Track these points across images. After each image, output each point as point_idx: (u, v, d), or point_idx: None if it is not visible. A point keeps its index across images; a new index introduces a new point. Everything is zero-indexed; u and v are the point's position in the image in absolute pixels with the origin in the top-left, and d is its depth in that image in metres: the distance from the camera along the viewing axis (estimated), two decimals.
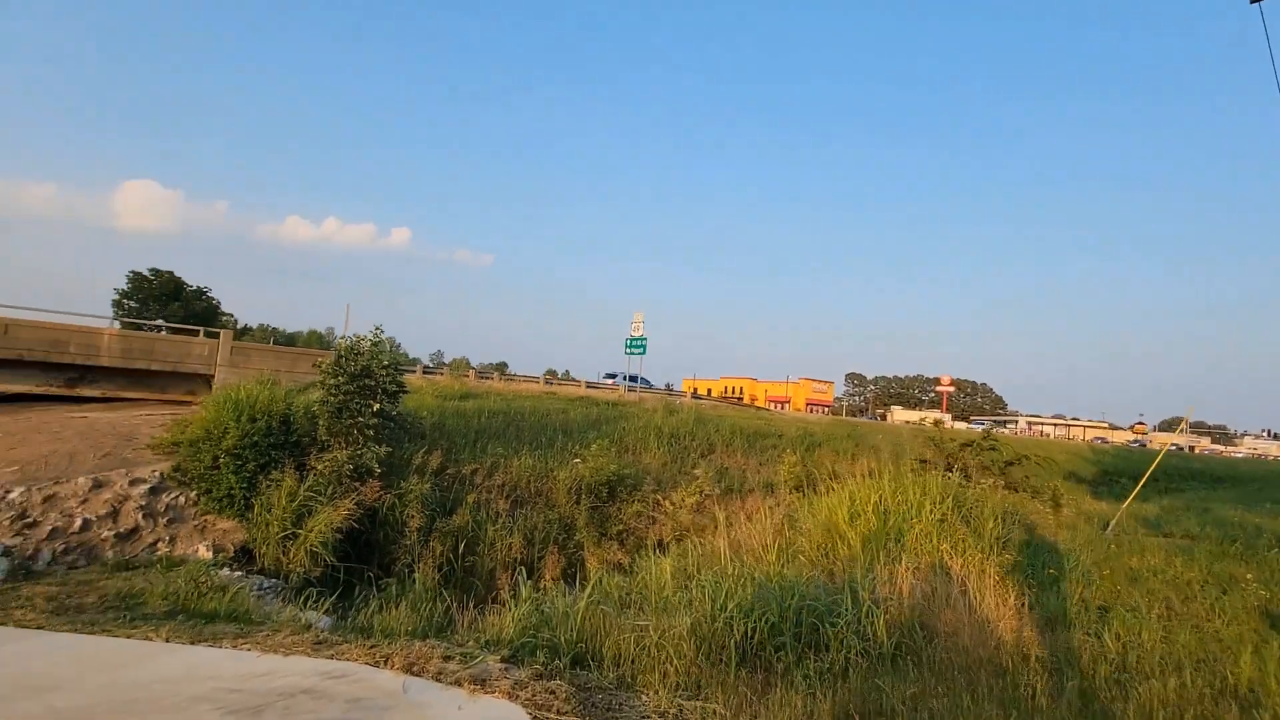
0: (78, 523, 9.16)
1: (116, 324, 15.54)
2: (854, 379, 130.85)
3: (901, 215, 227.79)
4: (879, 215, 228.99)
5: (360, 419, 11.33)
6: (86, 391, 16.79)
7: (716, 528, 15.28)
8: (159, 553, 9.39)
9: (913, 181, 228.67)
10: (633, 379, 28.46)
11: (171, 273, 42.75)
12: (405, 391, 12.94)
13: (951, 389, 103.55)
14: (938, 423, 23.85)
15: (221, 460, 10.42)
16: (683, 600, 6.23)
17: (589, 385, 28.35)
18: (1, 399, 19.36)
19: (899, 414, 76.42)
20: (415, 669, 4.57)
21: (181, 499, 10.30)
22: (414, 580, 9.13)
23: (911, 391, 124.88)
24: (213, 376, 17.19)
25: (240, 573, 8.93)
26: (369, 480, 10.93)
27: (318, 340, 63.72)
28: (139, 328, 26.77)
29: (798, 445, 21.74)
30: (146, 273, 41.98)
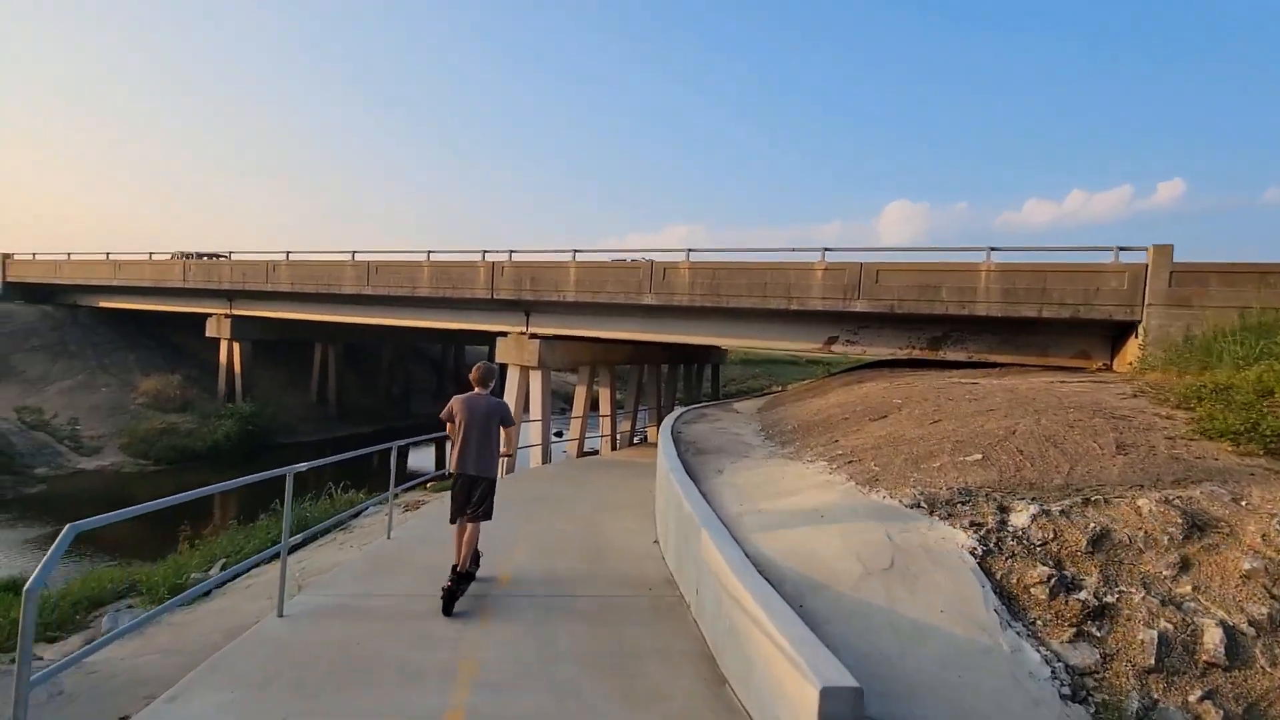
0: (1216, 636, 3.47)
1: (991, 258, 10.73)
2: None
3: None
4: None
5: None
6: (950, 354, 13.01)
7: None
8: None
9: None
10: None
11: None
12: None
13: None
14: None
15: None
16: None
17: None
18: (861, 366, 17.93)
19: None
20: None
21: None
22: None
23: None
24: (1134, 323, 10.51)
25: None
26: None
27: None
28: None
29: None
30: None
